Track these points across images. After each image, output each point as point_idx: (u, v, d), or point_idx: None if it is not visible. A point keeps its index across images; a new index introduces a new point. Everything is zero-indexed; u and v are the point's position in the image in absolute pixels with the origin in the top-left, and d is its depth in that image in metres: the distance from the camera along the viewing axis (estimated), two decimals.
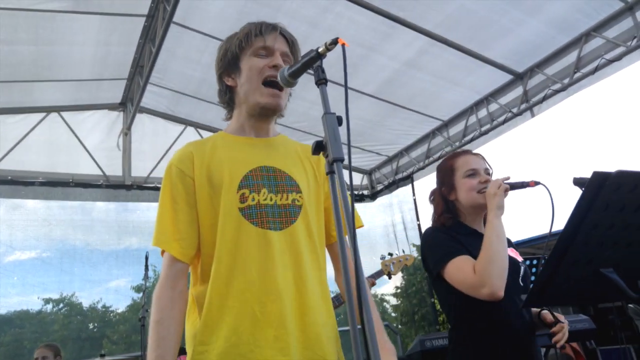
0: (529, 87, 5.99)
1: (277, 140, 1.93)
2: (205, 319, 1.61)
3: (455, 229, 2.32)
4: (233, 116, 1.90)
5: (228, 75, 1.86)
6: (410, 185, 7.99)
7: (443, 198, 2.42)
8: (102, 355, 4.24)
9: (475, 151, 2.51)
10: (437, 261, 2.20)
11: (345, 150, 1.22)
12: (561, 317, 2.21)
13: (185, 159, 1.75)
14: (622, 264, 1.48)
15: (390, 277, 4.51)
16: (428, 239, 2.34)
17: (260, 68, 1.77)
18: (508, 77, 6.10)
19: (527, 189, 2.20)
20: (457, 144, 6.91)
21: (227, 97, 1.88)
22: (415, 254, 8.80)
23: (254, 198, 1.70)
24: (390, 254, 4.49)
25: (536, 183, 2.16)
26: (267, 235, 1.67)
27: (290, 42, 1.85)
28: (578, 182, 1.80)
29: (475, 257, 2.11)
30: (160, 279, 1.66)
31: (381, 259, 4.46)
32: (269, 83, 1.76)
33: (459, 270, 2.11)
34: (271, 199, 1.72)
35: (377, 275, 4.41)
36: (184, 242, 1.67)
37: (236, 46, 1.81)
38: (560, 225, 1.56)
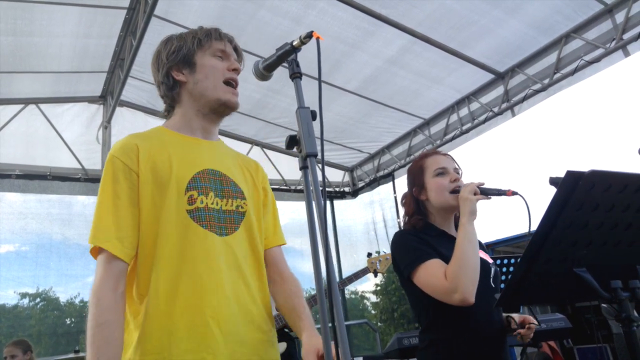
0: (509, 87, 6.05)
1: (219, 145, 1.90)
2: (151, 324, 1.52)
3: (424, 230, 2.31)
4: (177, 112, 1.84)
5: (178, 70, 1.81)
6: (391, 182, 8.02)
7: (414, 199, 2.41)
8: (77, 351, 4.18)
9: (454, 150, 2.51)
10: (407, 265, 2.18)
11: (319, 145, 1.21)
12: (530, 319, 2.23)
13: (130, 152, 1.65)
14: (595, 264, 1.49)
15: (376, 275, 4.47)
16: (398, 242, 2.32)
17: (221, 69, 1.78)
18: (489, 77, 6.15)
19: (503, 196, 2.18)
20: (438, 142, 6.94)
21: (175, 91, 1.82)
22: None
23: (202, 201, 1.65)
24: (378, 252, 4.46)
25: (514, 193, 2.12)
26: (214, 240, 1.63)
27: (240, 55, 1.89)
28: (554, 181, 1.80)
29: (444, 257, 2.11)
30: (99, 280, 1.52)
31: (368, 256, 4.43)
32: (228, 84, 1.77)
33: (430, 276, 2.10)
34: (217, 204, 1.68)
35: (362, 272, 4.38)
36: (126, 241, 1.56)
37: (194, 44, 1.79)
38: (535, 225, 1.56)
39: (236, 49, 1.87)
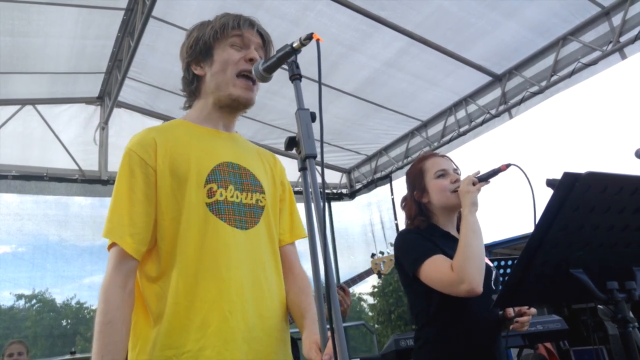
0: (507, 89, 6.06)
1: (238, 137, 1.88)
2: (170, 320, 1.51)
3: (429, 231, 2.32)
4: (195, 105, 1.82)
5: (197, 64, 1.79)
6: (388, 184, 8.02)
7: (415, 202, 2.41)
8: (73, 353, 4.18)
9: (451, 152, 2.52)
10: (413, 262, 2.18)
11: (318, 146, 1.21)
12: (524, 308, 2.24)
13: (147, 147, 1.63)
14: (591, 265, 1.50)
15: (380, 277, 4.44)
16: (402, 241, 2.32)
17: (235, 60, 1.72)
18: (487, 79, 6.15)
19: (501, 174, 2.18)
20: (436, 144, 6.94)
21: (194, 86, 1.80)
22: (392, 253, 8.82)
23: (221, 194, 1.63)
24: (382, 252, 4.42)
25: (507, 165, 2.13)
26: (235, 233, 1.62)
27: (266, 39, 1.82)
28: (550, 183, 1.81)
29: (449, 258, 2.11)
30: (108, 276, 1.52)
31: (372, 257, 4.40)
32: (243, 76, 1.72)
33: (436, 269, 2.10)
34: (237, 197, 1.66)
35: (366, 274, 4.35)
36: (137, 237, 1.55)
37: (211, 36, 1.76)
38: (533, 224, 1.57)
39: (261, 33, 1.81)
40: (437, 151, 6.53)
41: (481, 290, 1.99)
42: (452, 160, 2.44)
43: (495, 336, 2.22)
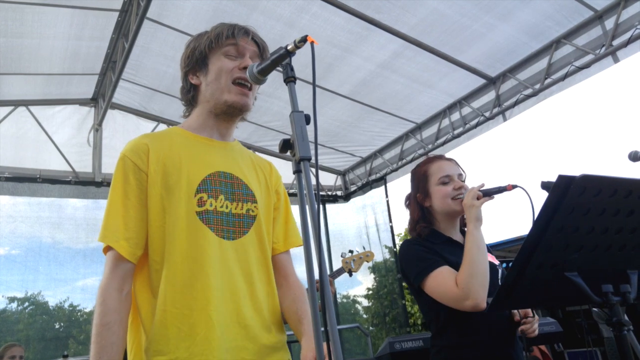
0: (501, 92, 6.08)
1: (235, 146, 1.89)
2: (159, 326, 1.53)
3: (430, 238, 2.32)
4: (193, 113, 1.85)
5: (194, 74, 1.82)
6: (383, 186, 8.02)
7: (418, 205, 2.42)
8: (65, 356, 4.15)
9: (448, 155, 2.51)
10: (417, 275, 2.19)
11: (313, 148, 1.21)
12: (529, 312, 2.25)
13: (140, 152, 1.66)
14: (586, 268, 1.49)
15: (350, 275, 4.46)
16: (405, 253, 2.33)
17: (230, 69, 1.74)
18: (481, 81, 6.17)
19: (505, 193, 2.19)
20: (430, 146, 6.97)
21: (190, 95, 1.83)
22: (387, 255, 8.81)
23: (211, 204, 1.65)
24: (351, 251, 4.46)
25: (514, 186, 2.14)
26: (221, 244, 1.64)
27: (261, 47, 1.83)
28: (545, 185, 1.81)
29: (452, 264, 2.13)
30: (105, 280, 1.55)
31: (341, 256, 4.43)
32: (238, 83, 1.74)
33: (441, 284, 2.11)
34: (227, 207, 1.68)
35: (338, 273, 4.37)
36: (132, 241, 1.58)
37: (206, 46, 1.77)
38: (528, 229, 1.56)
39: (256, 41, 1.81)
40: (435, 153, 6.51)
41: (485, 306, 2.01)
42: (458, 165, 2.42)
43: (512, 338, 2.21)
